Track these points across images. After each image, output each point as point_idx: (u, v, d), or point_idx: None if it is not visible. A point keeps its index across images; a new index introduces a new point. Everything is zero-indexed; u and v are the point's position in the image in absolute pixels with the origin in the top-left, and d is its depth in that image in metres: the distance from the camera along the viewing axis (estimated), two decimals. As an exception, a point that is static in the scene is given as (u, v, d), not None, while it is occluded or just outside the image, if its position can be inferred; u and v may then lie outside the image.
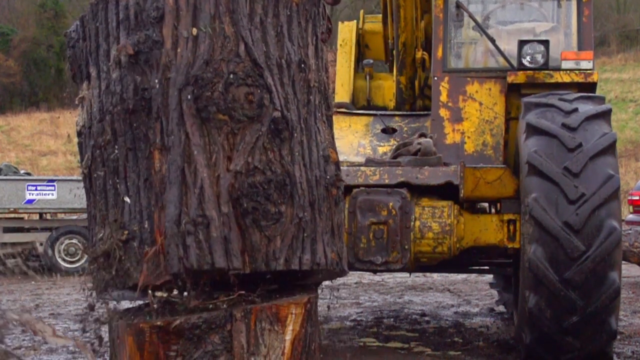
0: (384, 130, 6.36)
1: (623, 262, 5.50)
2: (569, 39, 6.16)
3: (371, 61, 7.43)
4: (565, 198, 4.56)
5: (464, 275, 10.89)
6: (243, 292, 2.79)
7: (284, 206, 2.68)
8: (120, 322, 2.71)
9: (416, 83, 6.99)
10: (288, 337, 2.73)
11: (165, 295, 2.77)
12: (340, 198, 3.04)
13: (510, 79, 5.76)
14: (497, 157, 5.82)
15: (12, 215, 13.06)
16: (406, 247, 5.14)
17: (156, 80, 2.65)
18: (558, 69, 5.76)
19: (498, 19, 6.49)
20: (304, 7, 2.90)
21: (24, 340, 6.25)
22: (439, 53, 6.16)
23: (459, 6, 6.21)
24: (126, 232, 2.67)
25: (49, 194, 12.39)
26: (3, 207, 12.30)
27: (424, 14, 6.76)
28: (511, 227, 5.24)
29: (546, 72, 5.71)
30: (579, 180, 4.58)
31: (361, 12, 8.32)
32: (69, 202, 12.34)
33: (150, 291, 2.67)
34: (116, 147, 2.74)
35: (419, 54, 6.84)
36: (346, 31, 7.66)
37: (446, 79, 6.08)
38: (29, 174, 14.41)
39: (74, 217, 13.53)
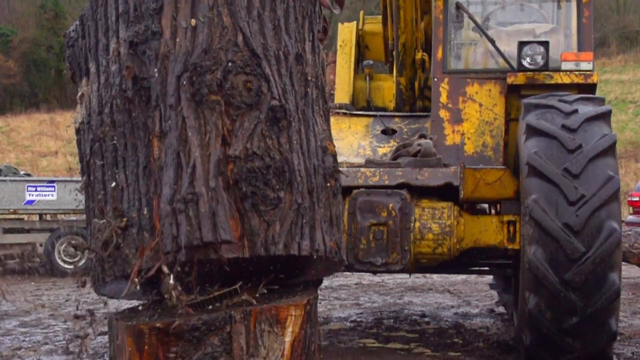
0: (383, 132, 6.36)
1: (623, 263, 5.50)
2: (569, 40, 6.16)
3: (371, 62, 7.43)
4: (565, 199, 4.56)
5: (463, 276, 10.90)
6: (242, 284, 2.81)
7: (283, 192, 2.70)
8: (120, 323, 2.71)
9: (416, 84, 6.99)
10: (287, 338, 2.73)
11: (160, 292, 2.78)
12: (339, 190, 3.06)
13: (510, 80, 5.76)
14: (497, 158, 5.82)
15: (12, 216, 13.06)
16: (406, 248, 5.14)
17: (155, 70, 2.69)
18: (558, 70, 5.76)
19: (498, 20, 6.50)
20: (300, 3, 2.95)
21: (23, 341, 6.25)
22: (439, 54, 6.17)
23: (458, 7, 6.21)
24: (125, 219, 2.68)
25: (48, 195, 12.39)
26: (3, 208, 12.30)
27: (423, 15, 6.76)
28: (511, 228, 5.24)
29: (546, 73, 5.71)
30: (578, 181, 4.58)
31: (361, 13, 8.32)
32: (69, 203, 12.34)
33: (136, 279, 2.65)
34: (115, 137, 2.76)
35: (418, 55, 6.84)
36: (346, 32, 7.66)
37: (446, 80, 6.08)
38: (28, 174, 14.40)
39: (74, 217, 13.54)
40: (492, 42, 5.99)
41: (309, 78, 2.95)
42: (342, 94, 7.23)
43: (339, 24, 7.81)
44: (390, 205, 5.16)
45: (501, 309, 7.66)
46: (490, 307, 8.08)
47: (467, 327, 6.76)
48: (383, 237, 5.15)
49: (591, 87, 5.70)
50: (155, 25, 2.71)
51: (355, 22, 7.89)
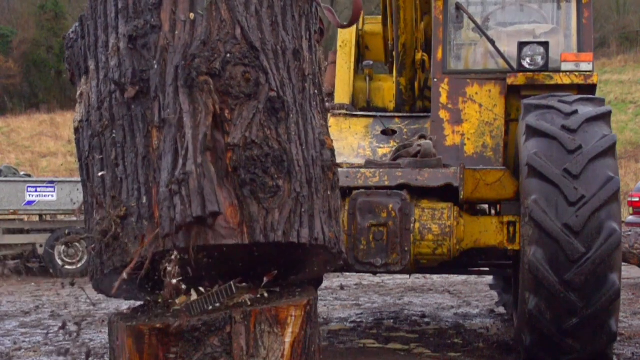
0: (383, 132, 6.36)
1: (623, 263, 5.50)
2: (569, 41, 6.16)
3: (371, 62, 7.43)
4: (565, 200, 4.56)
5: (463, 277, 10.89)
6: (244, 283, 2.81)
7: (282, 181, 2.72)
8: (120, 324, 2.71)
9: (416, 84, 6.99)
10: (288, 339, 2.73)
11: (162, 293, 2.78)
12: (337, 184, 3.09)
13: (510, 80, 5.76)
14: (497, 158, 5.81)
15: (12, 217, 13.05)
16: (406, 248, 5.14)
17: (154, 62, 2.73)
18: (558, 70, 5.75)
19: (498, 20, 6.49)
20: (298, 3, 2.99)
21: (23, 341, 6.25)
22: (439, 55, 6.17)
23: (458, 8, 6.21)
24: (124, 208, 2.70)
25: (48, 196, 12.38)
26: (3, 209, 12.29)
27: (423, 16, 6.76)
28: (511, 229, 5.24)
29: (546, 73, 5.71)
30: (578, 182, 4.58)
31: (361, 13, 8.30)
32: (69, 203, 12.33)
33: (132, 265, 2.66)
34: (114, 131, 2.79)
35: (418, 56, 6.84)
36: (346, 32, 7.65)
37: (446, 80, 6.08)
38: (29, 175, 14.41)
39: (74, 218, 13.53)
40: (492, 42, 5.99)
41: (307, 74, 2.98)
42: (342, 95, 7.23)
43: (339, 25, 7.80)
44: (390, 206, 5.16)
45: (501, 310, 7.66)
46: (490, 307, 8.08)
47: (467, 328, 6.76)
48: (383, 238, 5.15)
49: (591, 88, 5.70)
50: (155, 19, 2.76)
51: (355, 22, 7.88)
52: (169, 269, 2.64)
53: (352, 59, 7.47)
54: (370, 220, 5.15)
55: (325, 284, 10.05)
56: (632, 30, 37.86)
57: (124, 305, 3.01)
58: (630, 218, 11.47)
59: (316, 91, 3.07)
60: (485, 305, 8.34)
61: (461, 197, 5.21)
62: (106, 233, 2.73)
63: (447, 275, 10.84)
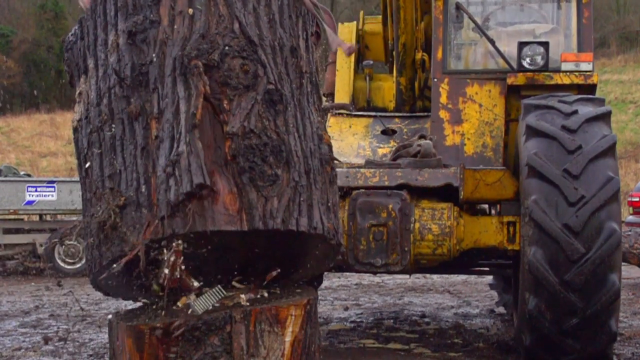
0: (383, 132, 6.36)
1: (623, 263, 5.50)
2: (569, 41, 6.16)
3: (371, 62, 7.42)
4: (565, 200, 4.56)
5: (463, 277, 10.90)
6: (243, 282, 2.81)
7: (280, 170, 2.75)
8: (120, 324, 2.71)
9: (416, 84, 6.98)
10: (288, 338, 2.73)
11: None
12: (335, 179, 3.12)
13: (510, 80, 5.76)
14: (496, 158, 5.82)
15: (12, 217, 13.05)
16: (406, 249, 5.14)
17: (153, 55, 2.78)
18: (558, 70, 5.75)
19: (498, 20, 6.50)
20: (294, 3, 3.04)
21: (23, 341, 6.26)
22: (439, 54, 6.17)
23: (458, 7, 6.21)
24: (123, 197, 2.72)
25: (49, 195, 12.38)
26: (3, 209, 12.29)
27: (423, 15, 6.76)
28: (511, 229, 5.24)
29: (546, 73, 5.71)
30: (578, 182, 4.58)
31: (361, 13, 8.31)
32: (69, 203, 12.34)
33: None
34: (113, 125, 2.82)
35: (418, 55, 6.84)
36: (346, 32, 7.65)
37: (446, 80, 6.09)
38: (29, 175, 14.40)
39: (74, 218, 13.53)
40: (492, 42, 5.99)
41: (304, 71, 3.02)
42: (342, 94, 7.23)
43: (339, 24, 7.81)
44: (390, 206, 5.16)
45: (501, 309, 7.66)
46: (490, 307, 8.08)
47: (467, 328, 6.76)
48: (383, 238, 5.15)
49: (591, 88, 5.70)
50: (154, 14, 2.81)
51: (355, 22, 7.89)
52: (171, 259, 2.65)
53: (352, 59, 7.46)
54: (370, 220, 5.15)
55: (325, 284, 10.06)
56: (632, 30, 37.85)
57: (124, 305, 3.01)
58: (630, 218, 11.47)
59: (313, 89, 3.10)
60: (485, 305, 8.35)
61: (461, 197, 5.21)
62: (105, 224, 2.74)
63: (447, 275, 10.85)
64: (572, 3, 6.14)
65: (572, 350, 4.70)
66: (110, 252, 2.76)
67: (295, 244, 2.90)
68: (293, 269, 3.11)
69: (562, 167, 4.63)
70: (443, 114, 6.01)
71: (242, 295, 2.79)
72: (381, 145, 6.18)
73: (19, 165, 22.29)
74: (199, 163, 2.58)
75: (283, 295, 2.90)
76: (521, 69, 5.79)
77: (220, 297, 2.79)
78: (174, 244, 2.64)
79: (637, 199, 11.56)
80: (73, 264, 12.38)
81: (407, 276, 10.47)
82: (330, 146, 3.10)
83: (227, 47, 2.77)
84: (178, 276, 2.69)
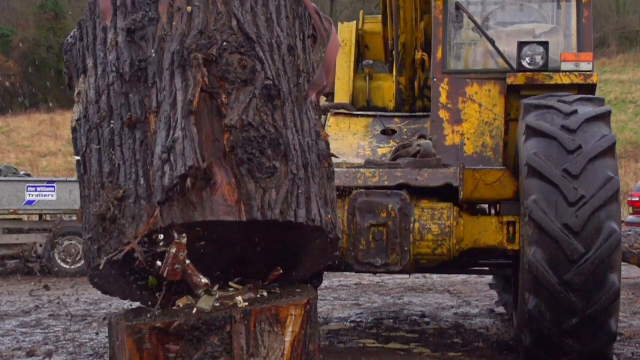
0: (383, 132, 6.36)
1: (623, 263, 5.50)
2: (569, 41, 6.16)
3: (371, 62, 7.42)
4: (565, 200, 4.56)
5: (463, 277, 10.89)
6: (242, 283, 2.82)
7: (278, 163, 2.77)
8: (120, 324, 2.71)
9: (416, 84, 6.98)
10: (288, 338, 2.73)
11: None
12: (333, 175, 3.15)
13: (510, 80, 5.76)
14: (496, 158, 5.81)
15: (12, 217, 13.05)
16: (406, 249, 5.14)
17: (152, 51, 2.82)
18: (558, 70, 5.75)
19: (498, 20, 6.49)
20: (291, 5, 3.09)
21: (23, 341, 6.25)
22: (439, 54, 6.16)
23: (458, 7, 6.21)
24: (122, 190, 2.74)
25: (48, 195, 12.38)
26: (3, 209, 12.29)
27: (423, 15, 6.76)
28: (511, 229, 5.23)
29: (546, 73, 5.71)
30: (578, 182, 4.58)
31: (361, 12, 8.31)
32: (69, 203, 12.33)
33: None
34: (112, 121, 2.85)
35: (418, 55, 6.84)
36: (346, 32, 7.65)
37: (446, 80, 6.08)
38: (28, 175, 14.39)
39: (74, 218, 13.52)
40: (492, 42, 5.99)
41: (301, 70, 3.06)
42: (342, 94, 7.23)
43: (339, 24, 7.81)
44: (390, 206, 5.16)
45: (501, 309, 7.66)
46: (490, 307, 8.08)
47: (467, 328, 6.76)
48: (383, 238, 5.15)
49: (591, 88, 5.70)
50: (153, 12, 2.86)
51: (355, 21, 7.89)
52: (172, 252, 2.66)
53: (352, 59, 7.47)
54: (370, 220, 5.15)
55: (325, 283, 10.06)
56: (632, 30, 37.83)
57: (124, 305, 3.01)
58: (630, 218, 11.47)
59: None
60: (485, 305, 8.34)
61: (461, 197, 5.21)
62: (104, 217, 2.76)
63: (447, 275, 10.84)
64: (572, 3, 6.14)
65: (572, 350, 4.69)
66: (109, 246, 2.76)
67: (293, 239, 2.91)
68: (292, 266, 3.12)
69: (562, 167, 4.62)
70: (443, 114, 6.00)
71: (239, 298, 2.79)
72: (381, 145, 6.18)
73: (19, 165, 22.28)
74: (194, 147, 2.61)
75: (283, 295, 2.91)
76: (521, 69, 5.79)
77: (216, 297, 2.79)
78: (176, 238, 2.65)
79: (637, 199, 11.56)
80: (73, 264, 12.37)
81: (407, 276, 10.48)
82: (328, 143, 3.12)
83: (225, 43, 2.81)
84: (181, 270, 2.70)
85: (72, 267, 12.31)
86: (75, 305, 8.55)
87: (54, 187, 12.43)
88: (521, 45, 5.82)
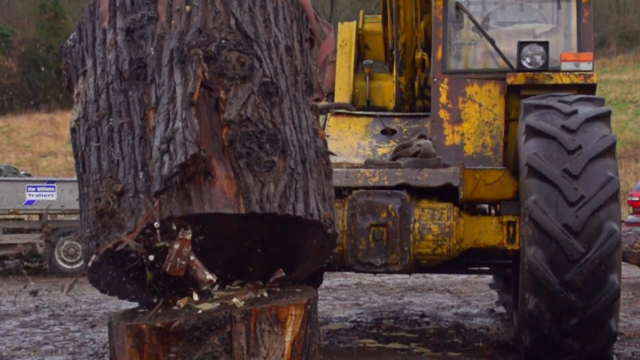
0: (383, 132, 6.36)
1: (623, 263, 5.49)
2: (569, 40, 6.16)
3: (371, 62, 7.42)
4: (565, 200, 4.56)
5: (463, 276, 10.89)
6: (241, 282, 2.82)
7: (276, 157, 2.80)
8: (120, 323, 2.71)
9: (416, 84, 6.98)
10: (288, 338, 2.73)
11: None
12: (331, 173, 3.17)
13: (510, 80, 5.76)
14: (496, 158, 5.81)
15: (12, 216, 13.05)
16: (406, 249, 5.14)
17: (151, 49, 2.86)
18: (558, 70, 5.75)
19: (498, 20, 6.49)
20: (289, 7, 3.13)
21: (23, 341, 6.26)
22: (439, 54, 6.16)
23: (458, 7, 6.21)
24: (121, 185, 2.76)
25: (48, 195, 12.38)
26: (3, 208, 12.28)
27: (423, 15, 6.76)
28: (511, 229, 5.23)
29: (546, 73, 5.71)
30: (578, 182, 4.58)
31: (361, 12, 8.31)
32: (69, 203, 12.33)
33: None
34: (111, 119, 2.88)
35: (418, 55, 6.84)
36: (346, 31, 7.66)
37: (446, 80, 6.08)
38: (28, 175, 14.39)
39: (74, 218, 13.52)
40: (492, 42, 5.99)
41: (299, 69, 3.09)
42: (342, 94, 7.23)
43: (339, 24, 7.82)
44: (390, 206, 5.16)
45: (501, 309, 7.66)
46: (490, 307, 8.08)
47: (467, 327, 6.76)
48: (383, 238, 5.15)
49: (591, 88, 5.70)
50: (152, 11, 2.90)
51: (355, 21, 7.89)
52: (175, 247, 2.66)
53: (352, 58, 7.47)
54: (370, 220, 5.15)
55: (325, 283, 10.06)
56: (632, 30, 37.82)
57: (124, 305, 3.00)
58: (630, 217, 11.47)
59: (307, 89, 3.16)
60: (485, 304, 8.35)
61: (461, 197, 5.21)
62: (102, 212, 2.77)
63: (447, 275, 10.84)
64: (572, 3, 6.14)
65: (572, 350, 4.69)
66: (108, 240, 2.77)
67: (291, 235, 2.92)
68: (291, 265, 3.12)
69: (562, 167, 4.62)
70: (443, 114, 6.00)
71: (239, 298, 2.79)
72: (381, 145, 6.18)
73: (18, 165, 22.29)
74: (194, 136, 2.64)
75: (283, 294, 2.91)
76: (521, 68, 5.79)
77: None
78: (180, 233, 2.66)
79: (637, 199, 11.57)
80: (73, 263, 12.37)
81: (407, 276, 10.47)
82: (325, 142, 3.15)
83: (223, 41, 2.84)
84: (185, 265, 2.70)
85: (72, 267, 12.30)
86: (75, 305, 8.55)
87: (54, 187, 12.43)
88: (521, 45, 5.82)
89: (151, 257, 2.68)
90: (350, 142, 6.20)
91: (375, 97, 7.36)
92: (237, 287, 2.98)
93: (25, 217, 13.90)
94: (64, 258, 12.40)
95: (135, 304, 3.15)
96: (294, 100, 2.99)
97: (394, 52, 7.09)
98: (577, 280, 4.51)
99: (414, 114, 6.79)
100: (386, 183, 5.27)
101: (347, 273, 9.73)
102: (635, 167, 24.35)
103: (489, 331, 6.53)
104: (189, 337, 2.59)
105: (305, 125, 3.01)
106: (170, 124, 2.69)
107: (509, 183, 5.27)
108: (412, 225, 5.15)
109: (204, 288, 2.79)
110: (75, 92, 3.12)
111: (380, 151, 6.08)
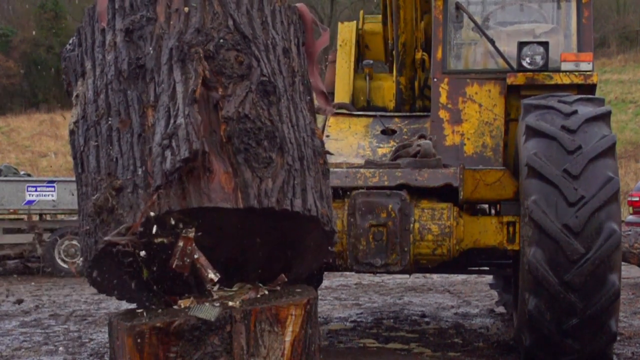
0: (383, 132, 6.36)
1: (623, 263, 5.50)
2: (569, 41, 6.16)
3: (371, 62, 7.42)
4: (565, 200, 4.56)
5: (463, 276, 10.89)
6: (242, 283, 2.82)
7: (274, 154, 2.83)
8: (120, 323, 2.72)
9: (416, 84, 6.98)
10: (288, 338, 2.73)
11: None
12: (328, 173, 3.20)
13: (510, 80, 5.76)
14: (496, 158, 5.81)
15: (12, 216, 13.05)
16: (405, 249, 5.14)
17: (150, 48, 2.89)
18: (558, 70, 5.75)
19: (498, 20, 6.49)
20: (286, 11, 3.18)
21: (24, 341, 6.26)
22: (439, 54, 6.16)
23: (458, 7, 6.21)
24: (119, 181, 2.78)
25: (48, 195, 12.38)
26: (3, 208, 12.29)
27: (423, 15, 6.76)
28: (511, 229, 5.23)
29: (546, 73, 5.71)
30: (578, 182, 4.58)
31: (361, 12, 8.31)
32: (69, 203, 12.33)
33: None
34: (110, 118, 2.90)
35: (418, 55, 6.84)
36: (346, 32, 7.66)
37: (446, 80, 6.08)
38: (29, 175, 14.39)
39: (74, 218, 13.51)
40: (492, 42, 5.99)
41: (296, 71, 3.13)
42: (342, 94, 7.23)
43: (339, 23, 7.82)
44: (390, 206, 5.16)
45: (501, 309, 7.66)
46: (490, 307, 8.08)
47: (467, 327, 6.76)
48: (383, 238, 5.15)
49: (591, 88, 5.70)
50: (151, 12, 2.94)
51: (355, 21, 7.89)
52: (180, 244, 2.67)
53: (352, 58, 7.47)
54: (369, 220, 5.15)
55: (325, 283, 10.05)
56: (632, 30, 37.83)
57: (124, 305, 3.00)
58: (630, 217, 11.47)
59: (305, 90, 3.20)
60: (485, 304, 8.35)
61: (461, 197, 5.21)
62: (101, 209, 2.78)
63: (447, 275, 10.84)
64: (572, 3, 6.14)
65: (572, 350, 4.69)
66: (105, 236, 2.77)
67: (290, 231, 2.93)
68: (290, 264, 3.13)
69: (562, 168, 4.62)
70: (443, 114, 6.00)
71: (239, 298, 2.79)
72: (381, 145, 6.18)
73: (18, 165, 22.29)
74: (198, 132, 2.66)
75: (283, 294, 2.91)
76: (521, 68, 5.79)
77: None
78: (184, 232, 2.67)
79: (637, 199, 11.56)
80: (72, 263, 12.36)
81: (407, 276, 10.47)
82: (322, 142, 3.18)
83: (221, 40, 2.88)
84: (190, 263, 2.71)
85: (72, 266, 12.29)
86: (75, 305, 8.55)
87: (53, 187, 12.43)
88: (521, 45, 5.82)
89: (142, 253, 2.69)
90: (350, 142, 6.20)
91: (375, 97, 7.36)
92: (236, 288, 2.98)
93: (25, 218, 13.90)
94: (64, 258, 12.40)
95: (135, 304, 3.15)
96: (292, 100, 3.02)
97: (394, 52, 7.08)
98: (577, 281, 4.51)
99: (414, 114, 6.79)
100: (386, 183, 5.27)
101: (347, 273, 9.73)
102: (635, 167, 24.35)
103: (489, 331, 6.53)
104: (189, 337, 2.59)
105: (302, 124, 3.03)
106: (171, 121, 2.71)
107: (509, 183, 5.27)
108: (412, 225, 5.15)
109: (208, 286, 2.79)
110: (74, 94, 3.14)
111: (380, 151, 6.08)
